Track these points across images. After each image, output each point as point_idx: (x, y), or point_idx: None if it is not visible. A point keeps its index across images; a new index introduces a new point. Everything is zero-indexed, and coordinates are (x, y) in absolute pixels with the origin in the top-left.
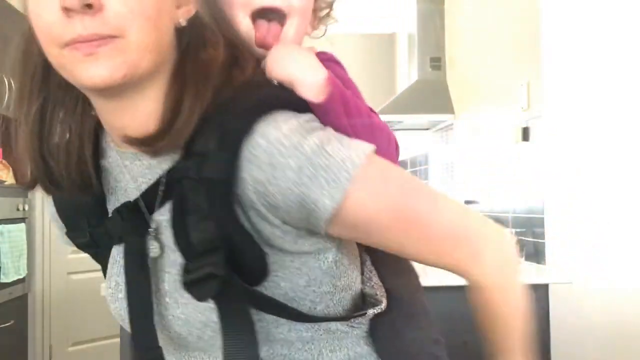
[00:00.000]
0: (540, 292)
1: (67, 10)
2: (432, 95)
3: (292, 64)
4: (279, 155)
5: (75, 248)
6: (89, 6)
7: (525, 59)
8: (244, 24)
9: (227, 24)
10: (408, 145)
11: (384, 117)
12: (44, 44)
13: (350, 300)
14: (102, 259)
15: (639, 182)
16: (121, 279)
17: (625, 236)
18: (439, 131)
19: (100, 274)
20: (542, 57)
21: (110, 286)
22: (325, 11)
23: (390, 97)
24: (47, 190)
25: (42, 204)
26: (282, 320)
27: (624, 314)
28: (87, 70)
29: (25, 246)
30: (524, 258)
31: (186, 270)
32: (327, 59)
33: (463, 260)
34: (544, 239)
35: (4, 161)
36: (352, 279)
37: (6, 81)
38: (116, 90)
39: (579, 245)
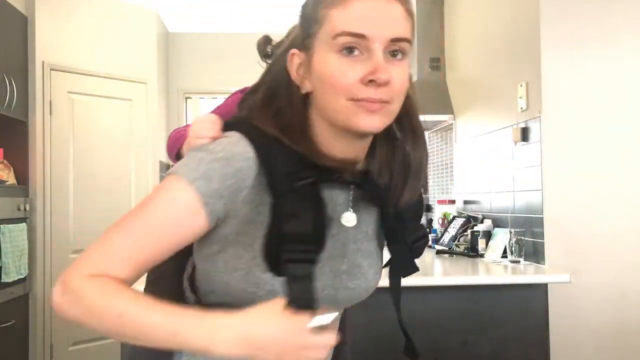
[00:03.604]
0: (539, 292)
1: (370, 81)
2: (432, 96)
3: None
4: None
5: (76, 248)
6: (386, 82)
7: (524, 59)
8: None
9: None
10: None
11: None
12: (333, 93)
13: None
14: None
15: (638, 182)
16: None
17: (624, 236)
18: (439, 131)
19: None
20: (541, 58)
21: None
22: None
23: None
24: None
25: (43, 204)
26: None
27: (623, 313)
28: (365, 120)
29: (26, 246)
30: (523, 258)
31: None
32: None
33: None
34: (543, 238)
35: (4, 161)
36: None
37: (6, 81)
38: (367, 136)
39: (578, 245)
